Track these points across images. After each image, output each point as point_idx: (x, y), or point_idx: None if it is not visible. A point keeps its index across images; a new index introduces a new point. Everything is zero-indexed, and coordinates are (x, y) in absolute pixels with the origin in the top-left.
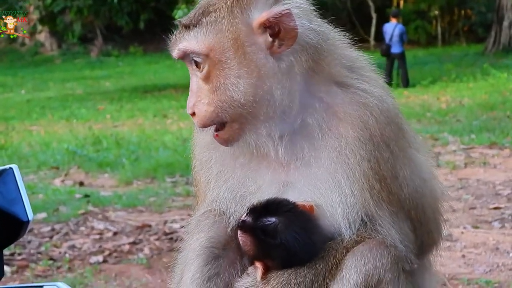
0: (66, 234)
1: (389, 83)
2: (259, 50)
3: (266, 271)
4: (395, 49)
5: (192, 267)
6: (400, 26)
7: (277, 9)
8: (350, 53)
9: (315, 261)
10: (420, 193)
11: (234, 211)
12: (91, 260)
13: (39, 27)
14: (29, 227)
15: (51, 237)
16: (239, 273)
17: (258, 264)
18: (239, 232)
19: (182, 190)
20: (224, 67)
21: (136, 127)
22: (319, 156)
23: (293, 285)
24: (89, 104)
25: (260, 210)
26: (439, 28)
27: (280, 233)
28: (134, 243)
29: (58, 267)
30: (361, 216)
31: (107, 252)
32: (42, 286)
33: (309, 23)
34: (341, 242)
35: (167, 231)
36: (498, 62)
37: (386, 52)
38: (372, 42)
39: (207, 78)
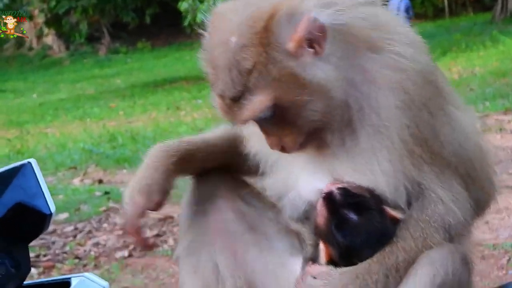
0: (90, 232)
1: None
2: (312, 67)
3: (329, 257)
4: None
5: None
6: (405, 1)
7: (302, 23)
8: (374, 11)
9: (383, 256)
10: (464, 148)
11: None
12: (117, 256)
13: (45, 30)
14: (51, 220)
15: (74, 236)
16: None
17: (324, 246)
18: (323, 202)
19: None
20: (297, 103)
21: (150, 121)
22: (359, 134)
23: (370, 284)
24: (101, 103)
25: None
26: (445, 0)
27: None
28: (158, 235)
29: (84, 265)
30: (406, 186)
31: (131, 247)
32: (69, 278)
33: (327, 9)
34: (408, 234)
35: None
36: (507, 29)
37: None
38: None
39: (282, 120)
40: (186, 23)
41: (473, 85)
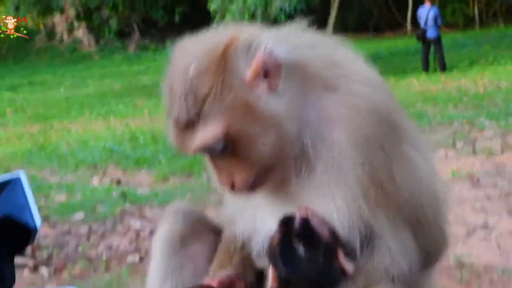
0: (103, 234)
1: (427, 69)
2: (265, 99)
3: (274, 282)
4: (431, 33)
5: (154, 261)
6: (434, 9)
7: (258, 55)
8: (330, 51)
9: None
10: (418, 194)
11: (241, 225)
12: (128, 260)
13: (76, 24)
14: (37, 235)
15: (88, 238)
16: (203, 265)
17: (271, 270)
18: (280, 224)
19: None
20: (248, 134)
21: None
22: (314, 170)
23: None
24: (127, 100)
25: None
26: (476, 10)
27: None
28: None
29: (95, 268)
30: (358, 227)
31: (143, 251)
32: None
33: (284, 45)
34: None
35: None
36: None
37: (422, 37)
38: (408, 26)
39: (232, 152)
40: (215, 23)
41: (498, 100)
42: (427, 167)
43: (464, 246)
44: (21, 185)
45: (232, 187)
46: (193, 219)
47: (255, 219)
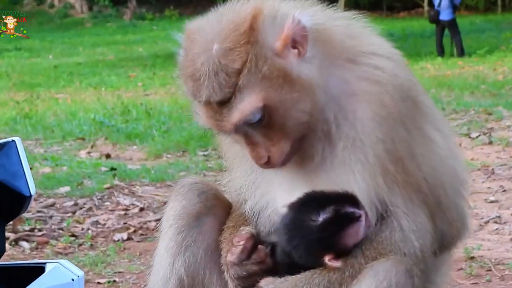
0: (90, 209)
1: (442, 54)
2: (297, 66)
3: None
4: (444, 15)
5: (166, 237)
6: None
7: (287, 23)
8: (349, 22)
9: (329, 269)
10: (439, 173)
11: (252, 201)
12: (115, 237)
13: None
14: (31, 202)
15: (74, 213)
16: (215, 242)
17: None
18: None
19: (214, 165)
20: (283, 105)
21: (169, 96)
22: (336, 146)
23: None
24: (120, 71)
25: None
26: None
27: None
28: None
29: (80, 245)
30: (376, 204)
31: (132, 229)
32: (44, 263)
33: (310, 16)
34: (360, 252)
35: None
36: None
37: (434, 19)
38: (426, 7)
39: (271, 124)
40: None
41: None
42: (448, 147)
43: (475, 239)
44: (16, 151)
45: (267, 163)
46: (208, 195)
47: (268, 194)
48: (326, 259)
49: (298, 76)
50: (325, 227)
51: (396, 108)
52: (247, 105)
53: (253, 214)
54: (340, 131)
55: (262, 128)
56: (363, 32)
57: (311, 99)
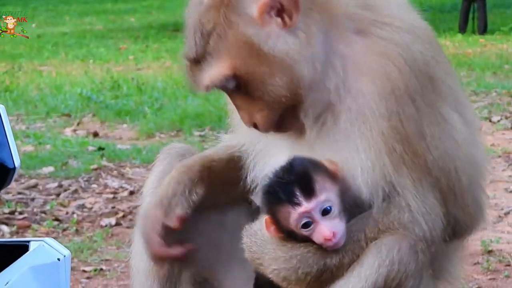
0: (75, 191)
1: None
2: (275, 38)
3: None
4: None
5: (145, 202)
6: None
7: None
8: None
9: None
10: (452, 157)
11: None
12: (102, 223)
13: None
14: (15, 175)
15: (57, 195)
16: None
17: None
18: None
19: (211, 145)
20: (257, 75)
21: (162, 71)
22: (338, 119)
23: (303, 266)
24: (110, 43)
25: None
26: None
27: None
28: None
29: (64, 229)
30: (382, 184)
31: (120, 214)
32: (28, 242)
33: None
34: (365, 229)
35: None
36: None
37: None
38: None
39: (247, 92)
40: None
41: None
42: (467, 131)
43: (493, 231)
44: (0, 120)
45: (255, 126)
46: (187, 157)
47: (267, 159)
48: (270, 226)
49: (271, 50)
50: (263, 194)
51: (404, 83)
52: (216, 71)
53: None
54: (342, 104)
55: (242, 95)
56: (382, 3)
57: (288, 76)
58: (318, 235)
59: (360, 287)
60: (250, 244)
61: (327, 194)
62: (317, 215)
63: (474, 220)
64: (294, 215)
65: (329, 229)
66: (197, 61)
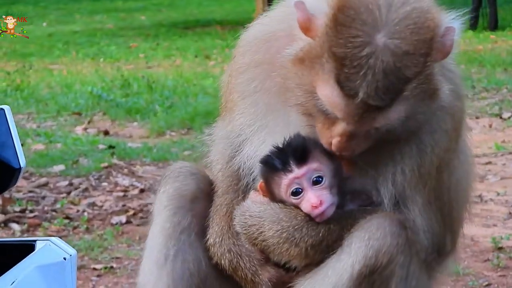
0: (86, 190)
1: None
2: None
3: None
4: None
5: (160, 218)
6: None
7: (451, 38)
8: None
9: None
10: (458, 187)
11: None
12: (113, 221)
13: None
14: (21, 175)
15: (68, 193)
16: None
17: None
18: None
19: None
20: (415, 118)
21: (173, 69)
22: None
23: (298, 238)
24: (120, 41)
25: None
26: None
27: None
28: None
29: (75, 227)
30: (395, 194)
31: (131, 212)
32: (35, 241)
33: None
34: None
35: None
36: None
37: None
38: None
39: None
40: None
41: None
42: (467, 162)
43: (504, 228)
44: (5, 120)
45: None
46: (199, 177)
47: (262, 136)
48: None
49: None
50: (260, 164)
51: (461, 125)
52: (395, 115)
53: (247, 161)
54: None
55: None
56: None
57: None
58: (306, 203)
59: (351, 262)
60: (245, 220)
61: (319, 165)
62: (306, 183)
63: (453, 247)
64: (285, 181)
65: (317, 196)
66: (381, 106)
